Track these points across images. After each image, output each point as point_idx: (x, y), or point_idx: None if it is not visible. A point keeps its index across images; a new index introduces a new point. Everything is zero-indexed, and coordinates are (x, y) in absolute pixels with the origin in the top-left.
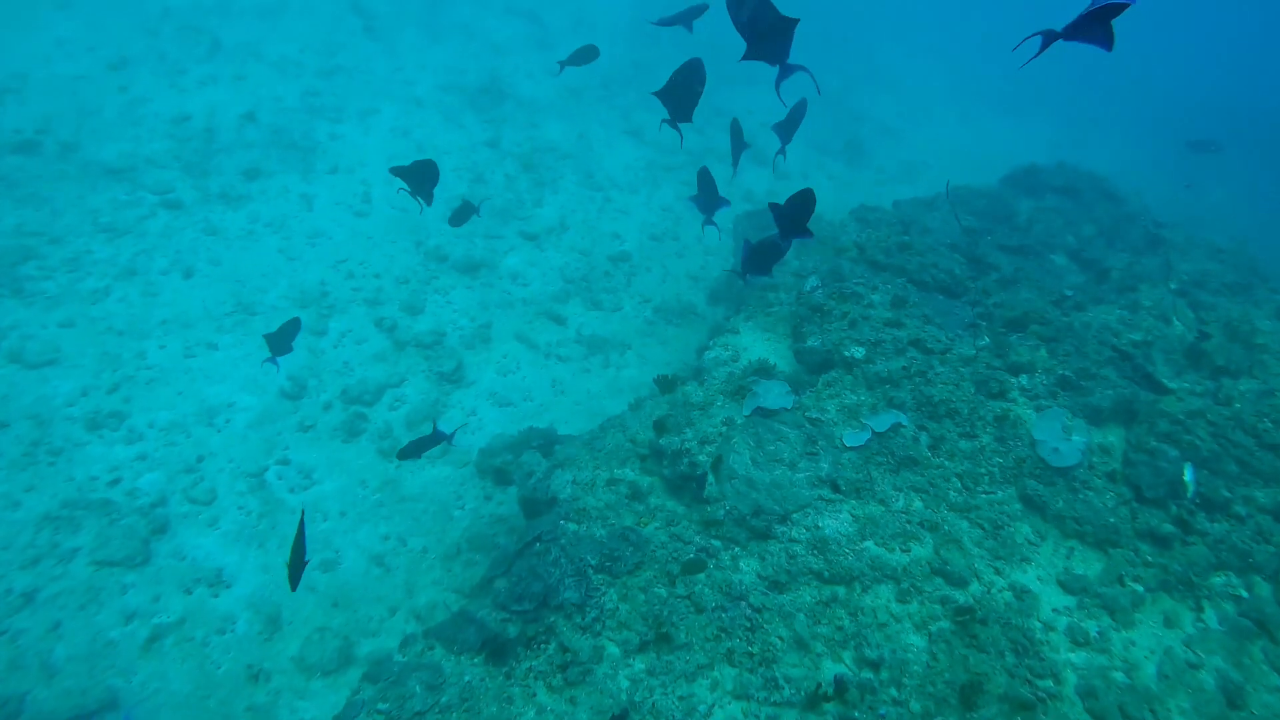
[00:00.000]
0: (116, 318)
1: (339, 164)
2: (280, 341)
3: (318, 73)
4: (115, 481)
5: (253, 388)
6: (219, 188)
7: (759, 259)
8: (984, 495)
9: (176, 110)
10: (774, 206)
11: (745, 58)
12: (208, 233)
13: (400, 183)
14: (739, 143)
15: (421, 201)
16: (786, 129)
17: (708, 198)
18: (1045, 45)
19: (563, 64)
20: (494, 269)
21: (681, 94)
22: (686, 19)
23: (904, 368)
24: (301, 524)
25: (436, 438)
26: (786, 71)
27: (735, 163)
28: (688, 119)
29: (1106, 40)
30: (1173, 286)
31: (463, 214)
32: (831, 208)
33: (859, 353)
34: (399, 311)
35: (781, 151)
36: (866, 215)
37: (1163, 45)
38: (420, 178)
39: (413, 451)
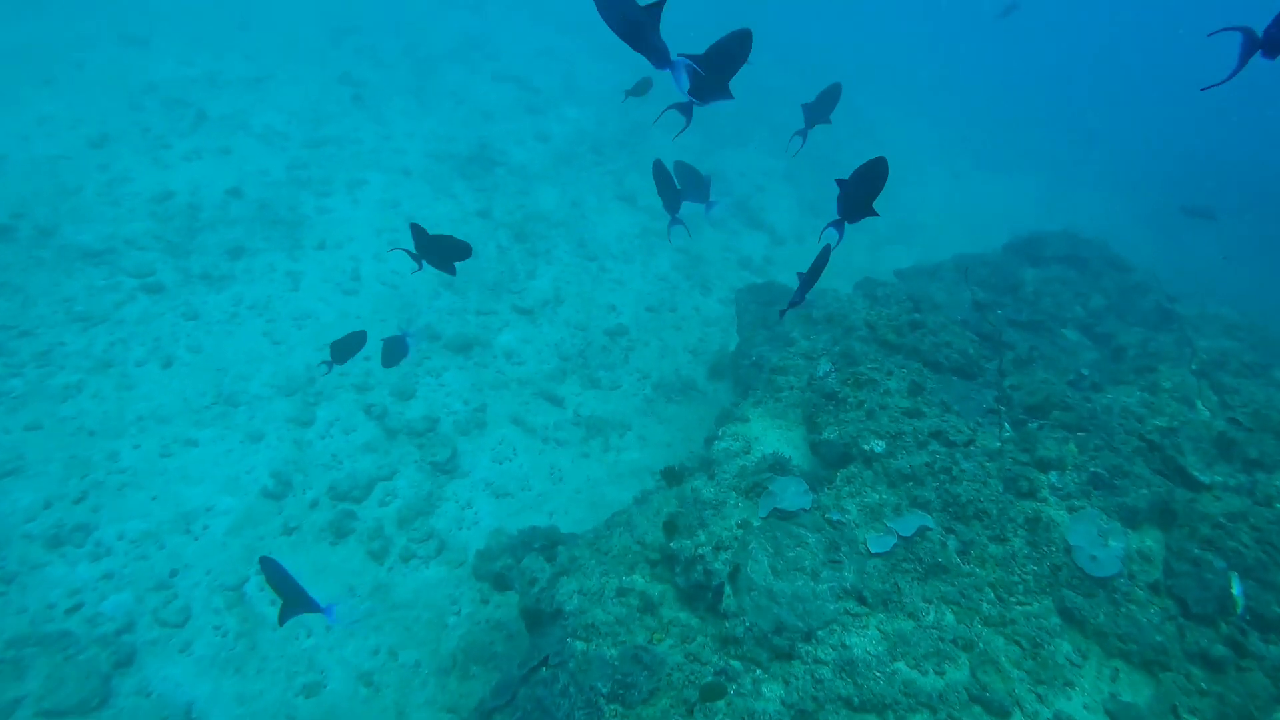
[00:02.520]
0: (88, 416)
1: (326, 239)
2: (343, 351)
3: (305, 143)
4: (76, 608)
5: (234, 488)
6: (201, 268)
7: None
8: (1019, 607)
9: (159, 187)
10: (840, 181)
11: (640, 50)
12: (188, 317)
13: (397, 243)
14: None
15: (420, 262)
16: (815, 110)
17: (670, 195)
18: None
19: (628, 93)
20: (487, 347)
21: (720, 64)
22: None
23: (927, 464)
24: None
25: (307, 606)
26: (677, 70)
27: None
28: (721, 98)
29: None
30: (1193, 368)
31: (394, 351)
32: (833, 273)
33: (879, 446)
34: (389, 397)
35: (802, 133)
36: (874, 291)
37: (1144, 100)
38: (446, 253)
39: (276, 583)
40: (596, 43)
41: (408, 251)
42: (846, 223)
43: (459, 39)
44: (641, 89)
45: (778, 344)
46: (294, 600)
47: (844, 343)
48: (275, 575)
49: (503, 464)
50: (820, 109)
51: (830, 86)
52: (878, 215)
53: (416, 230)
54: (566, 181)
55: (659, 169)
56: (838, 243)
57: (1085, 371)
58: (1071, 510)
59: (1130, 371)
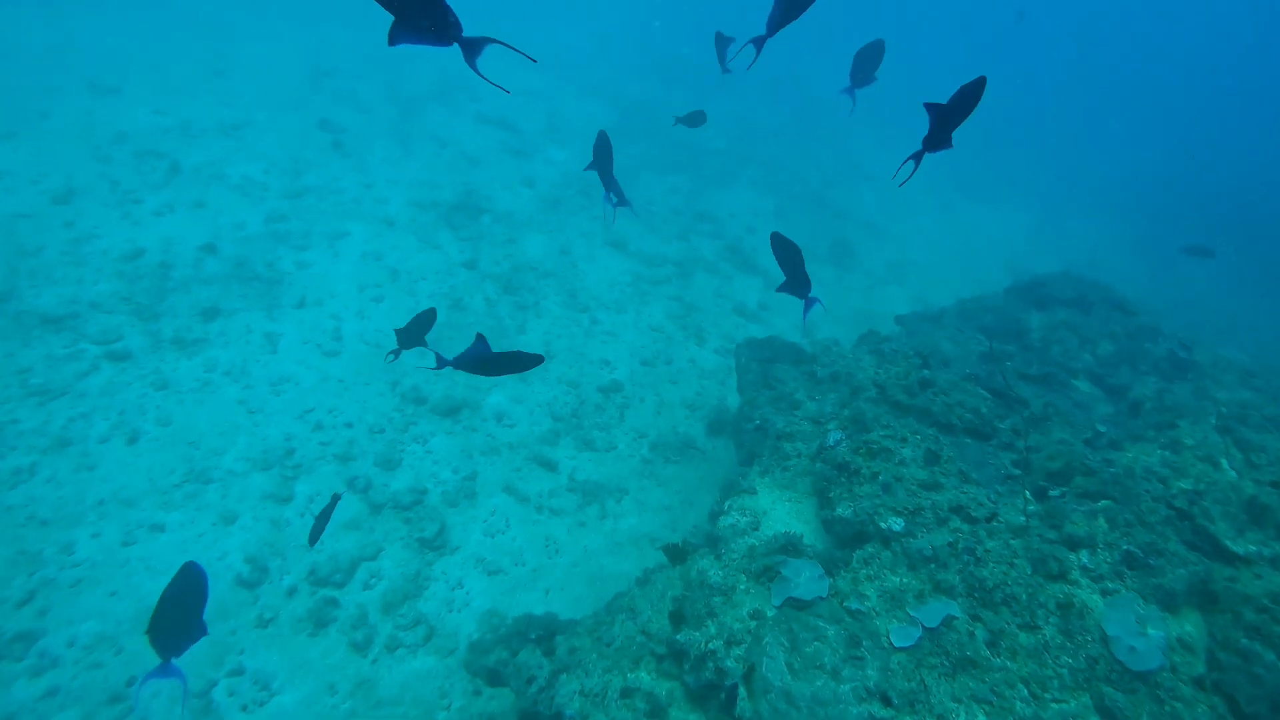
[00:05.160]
0: (41, 504)
1: (306, 296)
2: (410, 337)
3: (283, 194)
4: None
5: None
6: (172, 332)
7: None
8: (1055, 705)
9: (128, 245)
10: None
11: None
12: (157, 387)
13: (381, 298)
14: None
15: (440, 361)
16: (862, 66)
17: (608, 173)
18: None
19: (678, 120)
20: (476, 409)
21: None
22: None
23: (950, 543)
24: None
25: (163, 644)
26: (472, 49)
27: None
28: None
29: None
30: (1213, 423)
31: (324, 518)
32: (832, 319)
33: (897, 525)
34: (373, 467)
35: (850, 91)
36: (881, 347)
37: (1122, 127)
38: (514, 368)
39: (174, 594)
40: (579, 82)
41: (439, 357)
42: (927, 153)
43: (440, 80)
44: (696, 120)
45: (782, 406)
46: (166, 626)
47: (853, 405)
48: (183, 587)
49: (495, 537)
50: (866, 65)
51: (873, 42)
52: (952, 147)
53: (484, 354)
54: (554, 228)
55: (602, 140)
56: (912, 174)
57: (1102, 428)
58: (1105, 594)
59: (1149, 427)
